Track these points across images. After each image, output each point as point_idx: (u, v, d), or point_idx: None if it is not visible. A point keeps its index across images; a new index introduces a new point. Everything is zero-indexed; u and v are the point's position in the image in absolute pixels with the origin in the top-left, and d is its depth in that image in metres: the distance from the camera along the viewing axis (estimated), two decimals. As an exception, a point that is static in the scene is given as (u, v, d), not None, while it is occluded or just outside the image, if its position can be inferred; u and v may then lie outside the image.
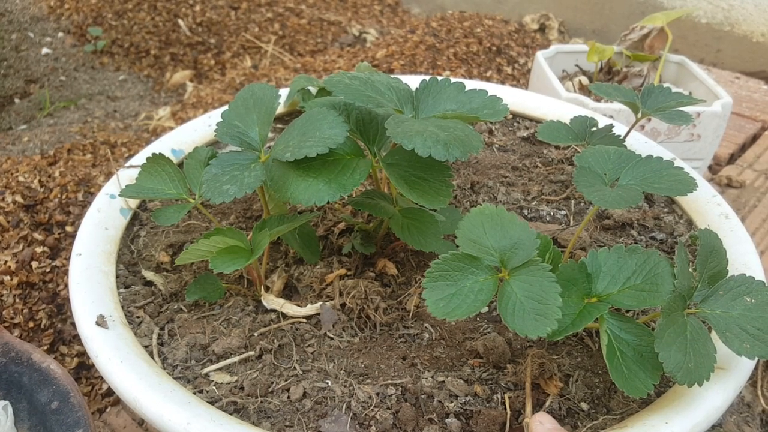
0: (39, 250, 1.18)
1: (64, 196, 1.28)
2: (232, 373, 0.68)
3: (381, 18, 2.86)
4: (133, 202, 0.90)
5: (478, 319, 0.75)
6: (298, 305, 0.75)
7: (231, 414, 0.63)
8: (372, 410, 0.62)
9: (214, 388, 0.66)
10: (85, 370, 1.11)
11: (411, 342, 0.72)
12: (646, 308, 0.71)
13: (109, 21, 2.53)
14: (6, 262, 1.14)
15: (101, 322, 0.69)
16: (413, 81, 0.79)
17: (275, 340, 0.71)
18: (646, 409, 0.63)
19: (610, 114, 1.27)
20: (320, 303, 0.75)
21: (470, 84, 0.89)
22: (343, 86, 0.71)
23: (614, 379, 0.58)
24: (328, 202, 0.67)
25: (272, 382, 0.66)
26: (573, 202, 0.94)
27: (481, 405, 0.64)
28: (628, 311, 0.73)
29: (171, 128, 1.55)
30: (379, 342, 0.72)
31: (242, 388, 0.66)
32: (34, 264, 1.16)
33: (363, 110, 0.74)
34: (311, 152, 0.65)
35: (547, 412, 0.63)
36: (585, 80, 1.54)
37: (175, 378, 0.66)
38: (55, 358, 1.09)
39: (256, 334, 0.72)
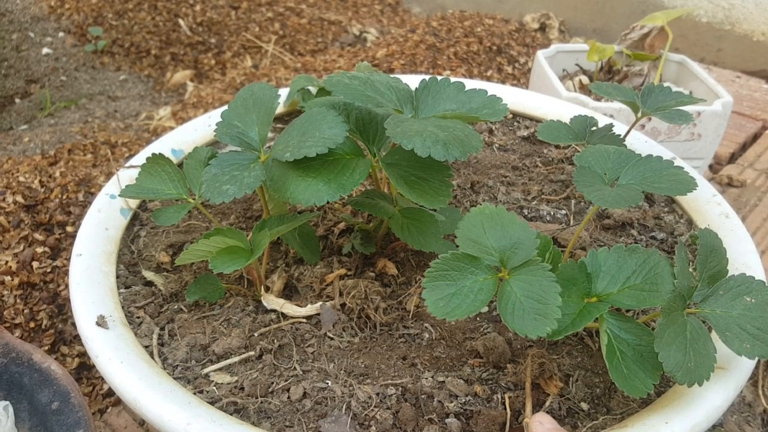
0: (40, 250, 1.18)
1: (64, 197, 1.28)
2: (232, 373, 0.68)
3: (381, 17, 2.86)
4: (134, 203, 0.90)
5: (478, 319, 0.75)
6: (298, 305, 0.75)
7: (231, 414, 0.63)
8: (372, 410, 0.63)
9: (214, 388, 0.66)
10: (86, 370, 1.11)
11: (411, 342, 0.72)
12: (646, 308, 0.71)
13: (109, 21, 2.54)
14: (7, 262, 1.14)
15: (101, 322, 0.69)
16: (413, 81, 0.79)
17: (275, 341, 0.71)
18: (646, 408, 0.63)
19: (610, 113, 1.27)
20: (320, 303, 0.75)
21: (470, 83, 0.89)
22: (342, 86, 0.71)
23: (614, 379, 0.58)
24: (327, 202, 0.67)
25: (272, 383, 0.66)
26: (573, 201, 0.94)
27: (481, 405, 0.64)
28: (628, 311, 0.73)
29: (171, 128, 1.56)
30: (379, 342, 0.72)
31: (242, 389, 0.66)
32: (35, 264, 1.16)
33: (363, 110, 0.74)
34: (311, 152, 0.65)
35: (547, 412, 0.63)
36: (585, 79, 1.54)
37: (175, 378, 0.67)
38: (56, 359, 1.09)
39: (256, 335, 0.72)
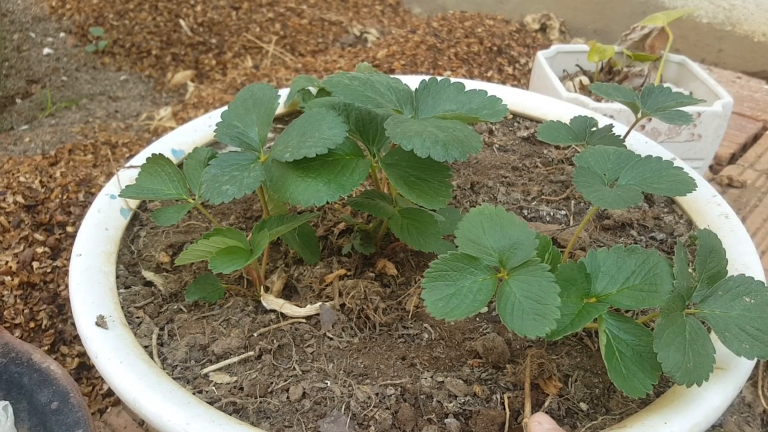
0: (40, 250, 1.18)
1: (65, 197, 1.29)
2: (232, 373, 0.68)
3: (382, 18, 2.86)
4: (134, 203, 0.90)
5: (477, 319, 0.75)
6: (297, 305, 0.75)
7: (230, 414, 0.63)
8: (371, 410, 0.63)
9: (213, 388, 0.66)
10: (86, 370, 1.11)
11: (410, 342, 0.72)
12: (645, 308, 0.71)
13: (110, 21, 2.54)
14: (7, 262, 1.14)
15: (101, 322, 0.69)
16: (414, 81, 0.79)
17: (275, 341, 0.71)
18: (645, 409, 0.63)
19: (610, 114, 1.27)
20: (320, 303, 0.75)
21: (470, 84, 0.89)
22: (342, 86, 0.71)
23: (613, 379, 0.58)
24: (327, 203, 0.67)
25: (271, 383, 0.66)
26: (573, 202, 0.94)
27: (480, 405, 0.64)
28: (627, 311, 0.73)
29: (172, 128, 1.56)
30: (378, 342, 0.72)
31: (241, 389, 0.66)
32: (35, 264, 1.16)
33: (362, 110, 0.74)
34: (310, 153, 0.65)
35: (546, 412, 0.63)
36: (586, 80, 1.54)
37: (174, 378, 0.67)
38: (56, 359, 1.09)
39: (255, 335, 0.72)
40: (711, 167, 1.67)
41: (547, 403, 0.64)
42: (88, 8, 2.56)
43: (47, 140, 1.91)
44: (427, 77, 0.76)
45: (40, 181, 1.31)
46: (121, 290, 0.78)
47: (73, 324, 1.11)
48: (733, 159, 1.70)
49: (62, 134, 1.95)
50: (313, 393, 0.65)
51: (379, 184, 0.81)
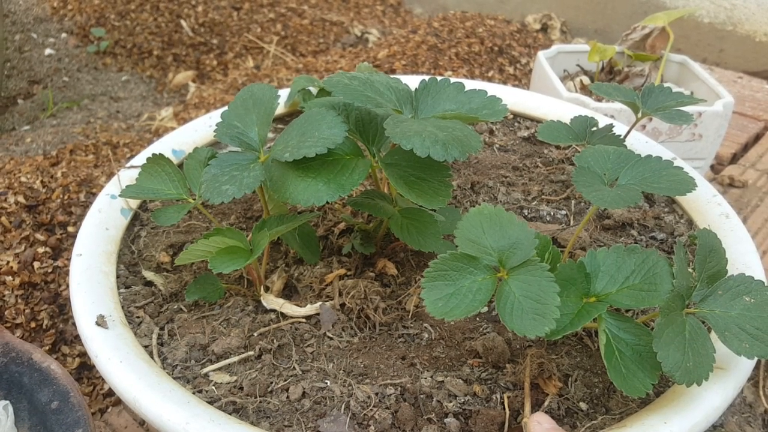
0: (41, 250, 1.18)
1: (66, 197, 1.29)
2: (232, 373, 0.68)
3: (383, 18, 2.86)
4: (134, 203, 0.90)
5: (477, 318, 0.75)
6: (297, 305, 0.75)
7: (230, 414, 0.63)
8: (371, 410, 0.63)
9: (213, 387, 0.66)
10: (86, 370, 1.11)
11: (410, 342, 0.72)
12: (644, 308, 0.71)
13: (112, 22, 2.54)
14: (8, 262, 1.15)
15: (101, 322, 0.69)
16: (414, 81, 0.79)
17: (275, 340, 0.71)
18: (645, 408, 0.63)
19: (611, 114, 1.27)
20: (320, 303, 0.75)
21: (470, 84, 0.89)
22: (342, 86, 0.71)
23: (613, 379, 0.58)
24: (327, 203, 0.67)
25: (271, 382, 0.66)
26: (573, 202, 0.94)
27: (480, 405, 0.64)
28: (627, 311, 0.73)
29: (173, 129, 1.56)
30: (378, 342, 0.72)
31: (241, 388, 0.66)
32: (36, 264, 1.17)
33: (362, 110, 0.74)
34: (310, 152, 0.65)
35: (546, 411, 0.63)
36: (586, 80, 1.53)
37: (174, 378, 0.67)
38: (56, 359, 1.09)
39: (255, 334, 0.72)
40: (712, 167, 1.67)
41: (546, 403, 0.64)
42: (89, 9, 2.56)
43: (49, 141, 1.91)
44: (427, 77, 0.76)
45: (42, 182, 1.32)
46: (122, 290, 0.78)
47: (74, 324, 1.12)
48: (734, 159, 1.70)
49: (63, 135, 1.95)
50: (313, 392, 0.65)
51: (379, 183, 0.81)
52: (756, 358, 0.62)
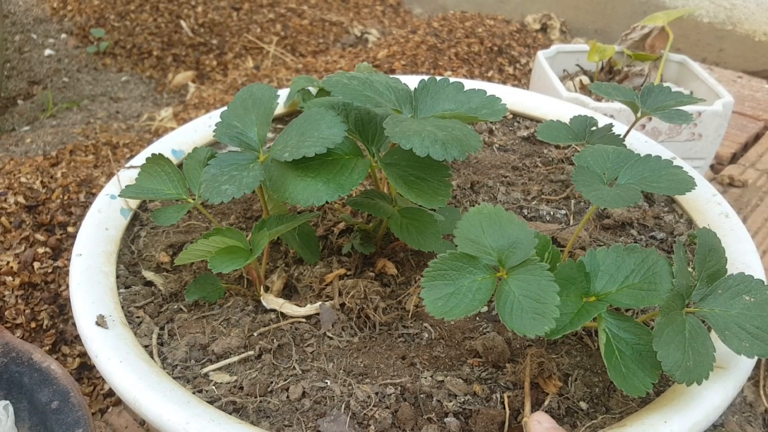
0: (41, 250, 1.18)
1: (65, 197, 1.29)
2: (232, 372, 0.68)
3: (383, 18, 2.86)
4: (134, 203, 0.90)
5: (477, 318, 0.75)
6: (297, 305, 0.75)
7: (230, 413, 0.63)
8: (371, 410, 0.63)
9: (213, 387, 0.66)
10: (87, 370, 1.11)
11: (410, 342, 0.72)
12: (644, 307, 0.71)
13: (111, 22, 2.54)
14: (8, 262, 1.15)
15: (101, 322, 0.69)
16: (414, 81, 0.79)
17: (275, 340, 0.71)
18: (645, 408, 0.63)
19: (610, 113, 1.27)
20: (320, 303, 0.75)
21: (470, 84, 0.89)
22: (341, 86, 0.71)
23: (613, 378, 0.58)
24: (327, 203, 0.67)
25: (271, 382, 0.66)
26: (573, 201, 0.94)
27: (480, 404, 0.64)
28: (626, 310, 0.73)
29: (173, 129, 1.56)
30: (378, 342, 0.72)
31: (241, 388, 0.66)
32: (36, 265, 1.17)
33: (362, 110, 0.74)
34: (309, 152, 0.65)
35: (546, 411, 0.63)
36: (586, 80, 1.53)
37: (174, 378, 0.67)
38: (57, 359, 1.09)
39: (255, 334, 0.72)
40: (712, 167, 1.67)
41: (546, 402, 0.64)
42: (89, 9, 2.56)
43: (48, 141, 1.91)
44: (426, 77, 0.76)
45: (41, 182, 1.32)
46: (122, 290, 0.78)
47: (74, 324, 1.12)
48: (734, 158, 1.70)
49: (63, 135, 1.95)
50: (313, 392, 0.65)
51: (378, 183, 0.81)
52: (756, 357, 0.62)
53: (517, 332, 0.56)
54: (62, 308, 1.15)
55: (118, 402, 1.07)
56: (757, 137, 1.79)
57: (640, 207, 0.93)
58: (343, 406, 0.63)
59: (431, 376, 0.67)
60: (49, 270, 1.17)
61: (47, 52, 2.44)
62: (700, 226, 0.85)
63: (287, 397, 0.65)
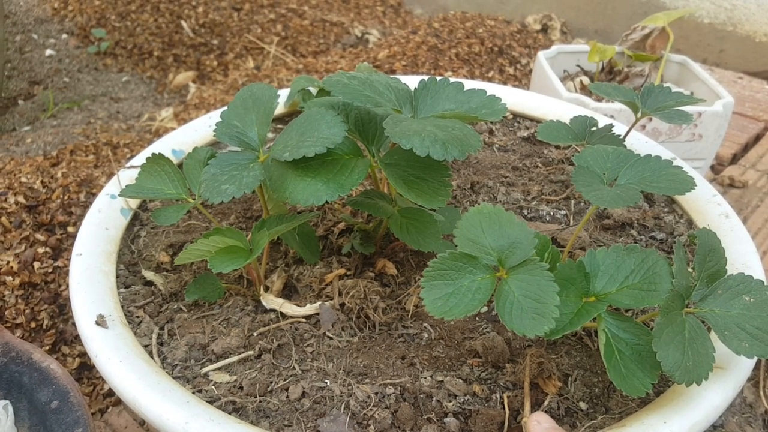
0: (41, 250, 1.18)
1: (66, 197, 1.29)
2: (232, 372, 0.68)
3: (383, 19, 2.86)
4: (134, 203, 0.90)
5: (477, 318, 0.75)
6: (297, 305, 0.75)
7: (230, 413, 0.63)
8: (371, 410, 0.63)
9: (213, 387, 0.66)
10: (86, 370, 1.11)
11: (410, 342, 0.72)
12: (644, 307, 0.71)
13: (112, 22, 2.54)
14: (8, 262, 1.15)
15: (101, 321, 0.69)
16: (414, 81, 0.79)
17: (274, 340, 0.71)
18: (645, 408, 0.63)
19: (611, 114, 1.27)
20: (319, 303, 0.75)
21: (470, 84, 0.89)
22: (341, 86, 0.71)
23: (612, 379, 0.58)
24: (327, 202, 0.67)
25: (271, 382, 0.66)
26: (573, 201, 0.94)
27: (480, 404, 0.64)
28: (626, 310, 0.73)
29: (173, 129, 1.56)
30: (378, 342, 0.72)
31: (241, 388, 0.66)
32: (36, 264, 1.17)
33: (362, 110, 0.74)
34: (309, 152, 0.65)
35: (546, 411, 0.63)
36: (586, 80, 1.53)
37: (174, 377, 0.67)
38: (57, 359, 1.09)
39: (255, 334, 0.72)
40: (712, 167, 1.67)
41: (546, 403, 0.64)
42: (90, 10, 2.56)
43: (49, 141, 1.92)
44: (426, 77, 0.76)
45: (42, 182, 1.32)
46: (121, 290, 0.78)
47: (74, 324, 1.12)
48: (734, 159, 1.70)
49: (64, 135, 1.95)
50: (313, 392, 0.65)
51: (378, 183, 0.81)
52: (756, 358, 0.62)
53: (517, 332, 0.56)
54: (62, 308, 1.15)
55: (118, 402, 1.07)
56: (757, 138, 1.79)
57: (640, 207, 0.93)
58: (343, 406, 0.63)
59: (431, 376, 0.67)
60: (49, 270, 1.17)
61: (48, 52, 2.45)
62: (700, 227, 0.84)
63: (287, 397, 0.65)
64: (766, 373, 1.10)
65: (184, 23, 2.58)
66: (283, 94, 1.10)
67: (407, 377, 0.67)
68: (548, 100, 1.16)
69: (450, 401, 0.64)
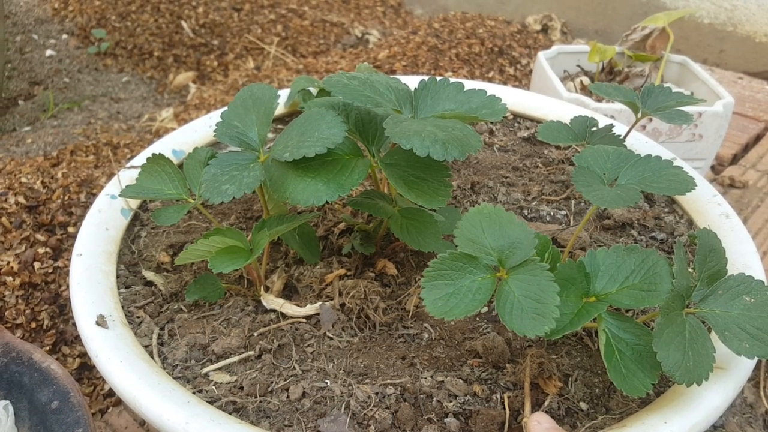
0: (41, 251, 1.18)
1: (66, 197, 1.29)
2: (232, 372, 0.68)
3: (383, 19, 2.86)
4: (134, 203, 0.90)
5: (477, 318, 0.75)
6: (297, 305, 0.75)
7: (230, 413, 0.63)
8: (371, 410, 0.63)
9: (213, 387, 0.66)
10: (87, 370, 1.11)
11: (410, 342, 0.72)
12: (644, 308, 0.71)
13: (112, 23, 2.54)
14: (8, 262, 1.15)
15: (101, 321, 0.69)
16: (414, 81, 0.79)
17: (275, 340, 0.71)
18: (645, 408, 0.63)
19: (611, 114, 1.27)
20: (320, 303, 0.75)
21: (470, 84, 0.89)
22: (341, 86, 0.71)
23: (613, 379, 0.58)
24: (327, 203, 0.67)
25: (271, 382, 0.66)
26: (573, 202, 0.94)
27: (480, 405, 0.64)
28: (627, 311, 0.73)
29: (173, 129, 1.56)
30: (378, 342, 0.72)
31: (241, 388, 0.66)
32: (37, 265, 1.17)
33: (362, 110, 0.74)
34: (309, 152, 0.65)
35: (546, 411, 0.63)
36: (587, 80, 1.53)
37: (174, 378, 0.67)
38: (57, 359, 1.09)
39: (255, 334, 0.72)
40: (713, 168, 1.67)
41: (546, 403, 0.64)
42: (90, 10, 2.56)
43: (49, 141, 1.92)
44: (426, 77, 0.76)
45: (42, 182, 1.32)
46: (122, 290, 0.78)
47: (75, 324, 1.12)
48: (734, 160, 1.70)
49: (64, 135, 1.95)
50: (313, 392, 0.65)
51: (378, 183, 0.81)
52: (756, 358, 0.61)
53: (517, 332, 0.56)
54: (62, 308, 1.15)
55: (118, 402, 1.07)
56: (757, 138, 1.79)
57: (641, 207, 0.93)
58: (343, 406, 0.63)
59: (431, 377, 0.67)
60: (50, 270, 1.17)
61: (48, 52, 2.45)
62: (701, 227, 0.85)
63: (287, 397, 0.65)
64: (766, 373, 1.10)
65: (184, 23, 2.58)
66: (284, 94, 1.10)
67: (407, 377, 0.67)
68: (548, 100, 1.16)
69: (450, 401, 0.64)
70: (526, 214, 0.91)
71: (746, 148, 1.75)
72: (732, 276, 0.64)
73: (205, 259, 0.71)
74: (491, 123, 1.12)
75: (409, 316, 0.74)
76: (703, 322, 0.61)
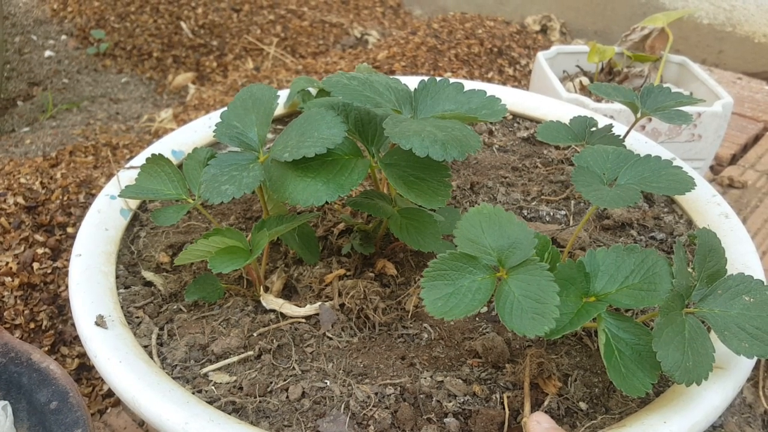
0: (40, 251, 1.18)
1: (65, 198, 1.29)
2: (231, 373, 0.68)
3: (383, 20, 2.86)
4: (134, 203, 0.90)
5: (477, 318, 0.75)
6: (297, 305, 0.75)
7: (229, 414, 0.63)
8: (370, 410, 0.63)
9: (212, 387, 0.66)
10: (86, 371, 1.11)
11: (410, 342, 0.72)
12: (644, 307, 0.71)
13: (111, 24, 2.54)
14: (7, 263, 1.15)
15: (100, 322, 0.69)
16: (413, 82, 0.79)
17: (274, 340, 0.71)
18: (645, 408, 0.63)
19: (610, 114, 1.27)
20: (319, 303, 0.75)
21: (469, 84, 0.89)
22: (341, 86, 0.71)
23: (612, 379, 0.58)
24: (326, 203, 0.67)
25: (271, 382, 0.66)
26: (573, 202, 0.94)
27: (480, 404, 0.64)
28: (626, 310, 0.73)
29: (173, 130, 1.56)
30: (378, 342, 0.72)
31: (241, 388, 0.66)
32: (35, 265, 1.16)
33: (362, 110, 0.74)
34: (309, 152, 0.65)
35: (546, 411, 0.63)
36: (586, 81, 1.54)
37: (174, 378, 0.67)
38: (56, 359, 1.09)
39: (255, 334, 0.72)
40: (712, 168, 1.67)
41: (546, 403, 0.64)
42: (89, 11, 2.56)
43: (48, 142, 1.91)
44: (426, 77, 0.76)
45: (41, 183, 1.32)
46: (121, 290, 0.78)
47: (74, 325, 1.11)
48: (733, 160, 1.70)
49: (63, 136, 1.95)
50: (313, 392, 0.65)
51: (378, 184, 0.81)
52: (755, 358, 0.62)
53: (517, 332, 0.56)
54: (61, 309, 1.15)
55: (117, 403, 1.07)
56: (756, 138, 1.79)
57: (640, 207, 0.93)
58: (343, 406, 0.63)
59: (431, 377, 0.67)
60: (49, 270, 1.17)
61: (47, 53, 2.44)
62: (700, 227, 0.85)
63: (287, 397, 0.65)
64: (765, 373, 1.10)
65: (183, 24, 2.58)
66: (283, 94, 1.10)
67: (407, 377, 0.67)
68: (548, 100, 1.16)
69: (450, 401, 0.64)
70: (525, 214, 0.91)
71: (745, 149, 1.75)
72: (731, 276, 0.64)
73: (205, 259, 0.71)
74: (491, 123, 1.12)
75: (409, 316, 0.74)
76: (703, 322, 0.61)
